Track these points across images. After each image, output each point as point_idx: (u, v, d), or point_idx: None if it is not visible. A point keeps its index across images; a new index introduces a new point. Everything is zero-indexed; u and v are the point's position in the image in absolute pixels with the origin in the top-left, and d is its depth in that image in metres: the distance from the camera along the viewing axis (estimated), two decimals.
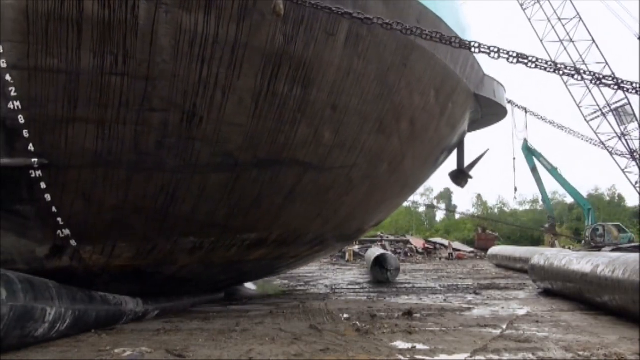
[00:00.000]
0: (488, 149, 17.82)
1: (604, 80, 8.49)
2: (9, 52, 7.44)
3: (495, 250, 32.92)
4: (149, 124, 8.44)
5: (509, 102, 20.34)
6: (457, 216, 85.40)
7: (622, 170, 35.58)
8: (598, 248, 34.74)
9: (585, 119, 35.36)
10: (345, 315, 10.54)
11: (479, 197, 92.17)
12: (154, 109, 8.38)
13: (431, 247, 48.44)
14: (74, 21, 7.55)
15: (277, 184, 10.21)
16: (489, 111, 16.28)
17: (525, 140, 43.19)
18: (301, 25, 8.98)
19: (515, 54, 8.38)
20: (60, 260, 8.99)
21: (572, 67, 8.42)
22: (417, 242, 49.29)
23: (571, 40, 33.71)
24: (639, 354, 7.05)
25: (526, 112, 32.22)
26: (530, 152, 43.70)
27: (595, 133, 35.05)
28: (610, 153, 34.99)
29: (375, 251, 24.16)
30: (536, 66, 8.32)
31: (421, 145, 13.20)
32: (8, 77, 7.52)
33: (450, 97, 13.13)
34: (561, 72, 8.51)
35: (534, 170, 44.90)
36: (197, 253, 10.34)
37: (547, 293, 14.67)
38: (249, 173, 9.71)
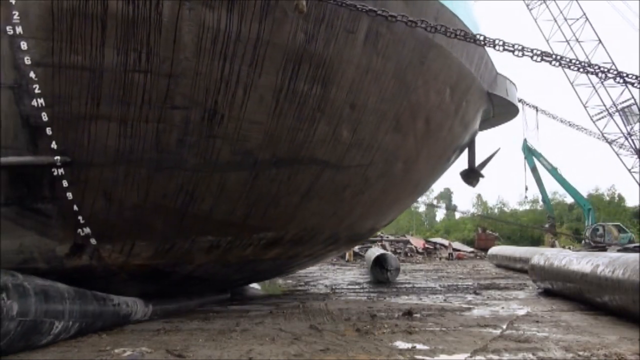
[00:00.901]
0: (499, 148, 17.79)
1: (626, 79, 8.45)
2: (33, 49, 7.41)
3: (495, 250, 32.83)
4: (171, 121, 8.40)
5: (520, 100, 20.30)
6: (457, 216, 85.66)
7: (629, 170, 35.61)
8: (603, 248, 34.71)
9: (592, 119, 35.40)
10: (345, 315, 10.52)
11: (479, 197, 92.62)
12: (176, 106, 8.33)
13: (431, 247, 48.38)
14: (98, 18, 7.51)
15: (295, 182, 10.16)
16: (500, 110, 16.21)
17: (525, 140, 43.34)
18: (322, 23, 8.94)
19: (539, 52, 8.34)
20: (80, 259, 8.97)
21: (596, 65, 8.36)
22: (417, 242, 49.25)
23: (577, 41, 33.71)
24: (639, 354, 7.05)
25: (537, 110, 32.14)
26: (530, 152, 43.83)
27: (602, 133, 35.06)
28: (617, 153, 35.03)
29: (375, 251, 24.05)
30: (560, 64, 8.29)
31: (435, 144, 13.16)
32: (32, 74, 7.48)
33: (465, 95, 13.08)
34: (585, 71, 8.48)
35: (534, 170, 45.08)
36: (213, 252, 10.29)
37: (547, 293, 14.63)
38: (267, 171, 9.67)
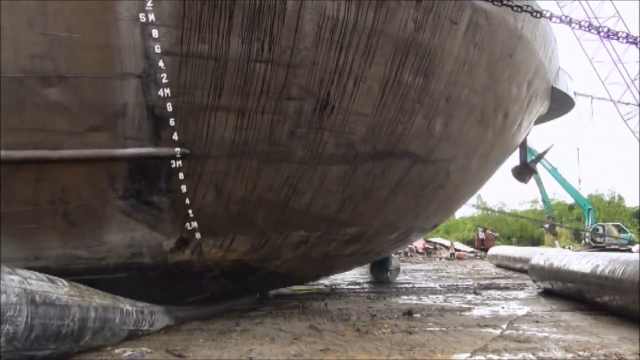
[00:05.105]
0: (553, 144, 17.77)
1: None
2: (164, 37, 7.24)
3: (495, 250, 32.94)
4: (285, 113, 8.26)
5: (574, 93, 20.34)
6: (457, 216, 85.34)
7: None
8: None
9: (623, 118, 35.64)
10: (345, 315, 10.50)
11: (478, 197, 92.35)
12: (291, 97, 8.20)
13: (431, 247, 48.48)
14: (226, 6, 7.36)
15: (387, 176, 10.04)
16: (556, 105, 16.11)
17: (525, 141, 43.49)
18: (430, 13, 8.84)
19: (625, 34, 8.37)
20: (183, 254, 8.81)
21: None
22: (417, 242, 49.24)
23: (609, 39, 33.89)
24: (639, 354, 7.03)
25: (592, 99, 32.25)
26: (529, 153, 44.04)
27: (632, 132, 35.35)
28: None
29: None
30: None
31: (506, 139, 13.09)
32: (161, 63, 7.32)
33: (537, 90, 13.02)
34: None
35: None
36: (301, 247, 10.16)
37: (547, 293, 14.56)
38: (365, 165, 9.55)
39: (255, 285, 11.20)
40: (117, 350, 7.14)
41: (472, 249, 50.01)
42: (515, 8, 8.40)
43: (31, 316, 5.74)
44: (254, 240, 9.38)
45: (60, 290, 6.41)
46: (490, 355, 7.07)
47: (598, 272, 10.81)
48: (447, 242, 49.82)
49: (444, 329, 9.08)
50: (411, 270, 26.62)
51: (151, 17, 7.12)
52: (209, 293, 10.17)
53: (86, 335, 6.77)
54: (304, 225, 9.75)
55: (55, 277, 6.59)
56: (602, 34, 8.64)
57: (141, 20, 7.11)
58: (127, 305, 7.84)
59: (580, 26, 8.38)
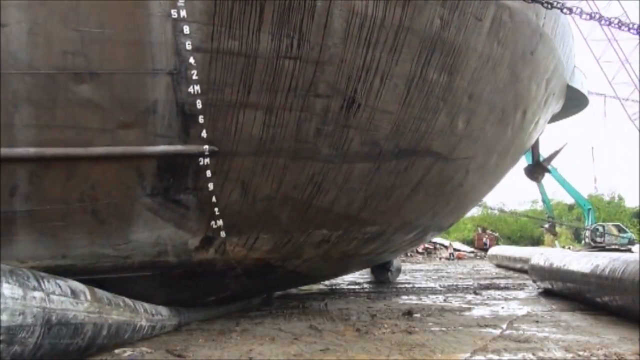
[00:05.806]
0: (566, 143, 17.76)
1: None
2: (194, 34, 7.17)
3: (495, 250, 33.10)
4: (312, 110, 8.19)
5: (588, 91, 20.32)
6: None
7: None
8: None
9: (630, 118, 35.72)
10: (345, 316, 10.52)
11: None
12: (318, 94, 8.13)
13: (431, 247, 48.48)
14: (257, 2, 7.29)
15: (409, 174, 9.98)
16: (570, 103, 16.04)
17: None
18: (456, 10, 8.78)
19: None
20: (207, 253, 8.73)
21: None
22: None
23: (615, 39, 33.99)
24: (639, 354, 7.04)
25: (605, 97, 32.35)
26: (528, 153, 44.05)
27: (639, 131, 35.42)
28: None
29: None
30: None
31: (523, 137, 13.03)
32: (192, 60, 7.25)
33: (554, 88, 12.97)
34: None
35: None
36: (322, 246, 10.07)
37: (547, 293, 14.64)
38: (388, 163, 9.47)
39: (273, 284, 11.15)
40: (117, 350, 7.10)
41: (472, 249, 50.07)
42: (545, 5, 8.37)
43: (42, 337, 5.64)
44: (277, 238, 9.32)
45: (80, 306, 6.29)
46: (490, 355, 7.09)
47: (598, 272, 10.84)
48: (447, 242, 49.80)
49: (444, 329, 9.11)
50: (411, 270, 26.41)
51: (183, 13, 7.04)
52: (229, 292, 10.10)
53: (92, 349, 6.74)
54: (326, 224, 9.68)
55: (80, 289, 6.50)
56: (632, 31, 8.61)
57: (173, 17, 7.04)
58: (142, 320, 7.79)
59: (610, 23, 8.37)
